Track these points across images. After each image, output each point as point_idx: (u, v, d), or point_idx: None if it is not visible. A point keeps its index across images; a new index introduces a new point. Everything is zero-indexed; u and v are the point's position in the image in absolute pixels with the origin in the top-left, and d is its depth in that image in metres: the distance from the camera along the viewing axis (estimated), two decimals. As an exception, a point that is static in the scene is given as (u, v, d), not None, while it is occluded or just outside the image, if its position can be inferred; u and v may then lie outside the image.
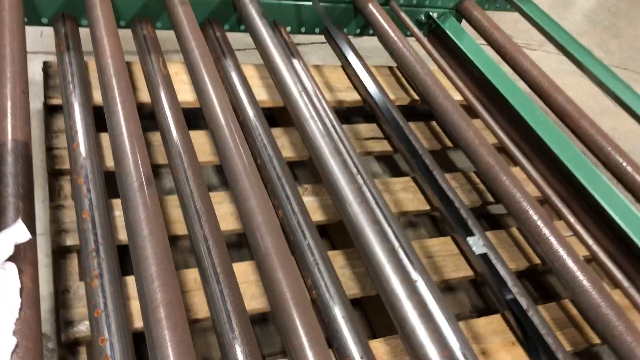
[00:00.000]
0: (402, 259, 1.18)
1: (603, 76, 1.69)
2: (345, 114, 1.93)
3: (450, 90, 1.61)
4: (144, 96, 1.47)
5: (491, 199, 1.55)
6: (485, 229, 1.51)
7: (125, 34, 1.52)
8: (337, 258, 1.27)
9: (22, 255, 0.84)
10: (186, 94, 1.52)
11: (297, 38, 1.89)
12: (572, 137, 1.61)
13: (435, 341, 0.96)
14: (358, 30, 1.93)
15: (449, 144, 1.69)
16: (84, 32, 1.47)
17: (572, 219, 1.27)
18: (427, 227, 1.66)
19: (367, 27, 1.90)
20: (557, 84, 1.71)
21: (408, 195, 1.47)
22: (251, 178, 1.10)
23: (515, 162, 1.42)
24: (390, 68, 1.87)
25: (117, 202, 1.20)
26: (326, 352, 0.87)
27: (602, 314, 1.09)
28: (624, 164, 1.47)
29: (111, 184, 1.12)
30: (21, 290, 0.80)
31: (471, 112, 1.56)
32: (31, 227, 0.90)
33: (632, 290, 1.15)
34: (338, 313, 1.06)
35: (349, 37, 1.82)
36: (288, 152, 1.49)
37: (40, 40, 1.85)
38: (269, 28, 1.53)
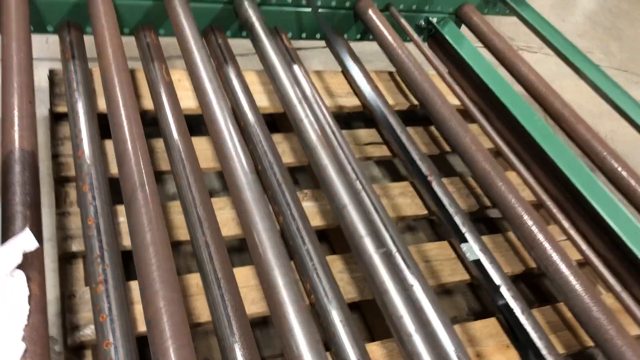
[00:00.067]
0: (399, 264, 1.22)
1: (600, 81, 1.71)
2: (346, 119, 1.95)
3: (448, 96, 1.64)
4: (148, 103, 1.50)
5: (489, 203, 1.57)
6: (484, 233, 1.54)
7: (129, 40, 1.55)
8: (336, 263, 1.30)
9: (30, 263, 0.87)
10: (189, 101, 1.55)
11: (299, 42, 1.92)
12: (569, 142, 1.64)
13: (430, 345, 0.99)
14: (358, 36, 1.95)
15: (448, 148, 1.72)
16: (88, 39, 1.50)
17: (566, 224, 1.30)
18: (425, 230, 1.69)
19: (367, 32, 1.92)
20: (557, 86, 1.73)
21: (406, 200, 1.50)
22: (251, 184, 1.14)
23: (512, 167, 1.44)
24: (390, 73, 1.90)
25: (121, 209, 1.23)
26: (323, 356, 0.90)
27: (593, 317, 1.12)
28: (619, 168, 1.50)
29: (116, 190, 1.15)
30: (29, 297, 0.83)
31: (469, 117, 1.59)
32: (38, 235, 0.93)
33: (624, 295, 1.17)
34: (336, 317, 1.09)
35: (349, 42, 1.85)
36: (289, 158, 1.52)
37: (46, 46, 1.88)
38: (269, 35, 1.56)
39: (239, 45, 1.80)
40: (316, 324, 1.02)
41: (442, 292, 1.53)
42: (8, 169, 1.00)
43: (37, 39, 1.48)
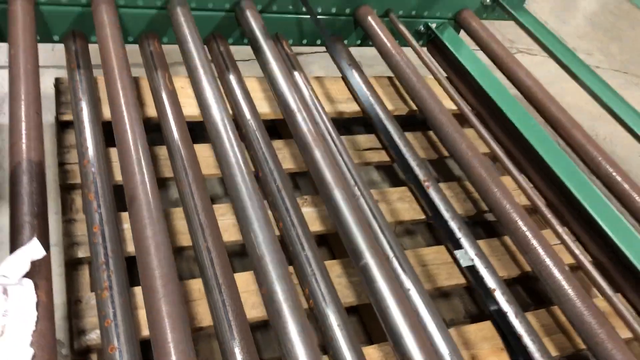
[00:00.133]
0: (395, 269, 1.25)
1: (596, 87, 1.73)
2: (346, 124, 1.98)
3: (446, 100, 1.67)
4: (151, 111, 1.53)
5: (485, 207, 1.60)
6: (482, 236, 1.56)
7: (133, 48, 1.59)
8: (335, 267, 1.33)
9: (38, 271, 0.91)
10: (191, 108, 1.58)
11: (300, 47, 1.95)
12: (565, 146, 1.66)
13: (424, 349, 1.02)
14: (358, 42, 1.98)
15: (446, 153, 1.74)
16: (93, 46, 1.54)
17: (560, 229, 1.32)
18: (423, 234, 1.72)
19: (367, 39, 1.95)
20: (558, 88, 1.75)
21: (404, 205, 1.53)
22: (251, 191, 1.17)
23: (508, 172, 1.47)
24: (390, 78, 1.93)
25: (125, 215, 1.27)
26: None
27: (585, 321, 1.14)
28: (614, 173, 1.52)
29: (120, 196, 1.19)
30: (37, 304, 0.87)
31: (466, 121, 1.61)
32: (45, 244, 0.97)
33: (615, 299, 1.20)
34: (333, 321, 1.13)
35: (349, 48, 1.88)
36: (289, 164, 1.55)
37: (52, 54, 1.92)
38: (270, 42, 1.60)
39: (241, 50, 1.84)
40: (314, 328, 1.05)
41: (439, 296, 1.56)
42: (16, 179, 1.04)
43: (43, 47, 1.52)
